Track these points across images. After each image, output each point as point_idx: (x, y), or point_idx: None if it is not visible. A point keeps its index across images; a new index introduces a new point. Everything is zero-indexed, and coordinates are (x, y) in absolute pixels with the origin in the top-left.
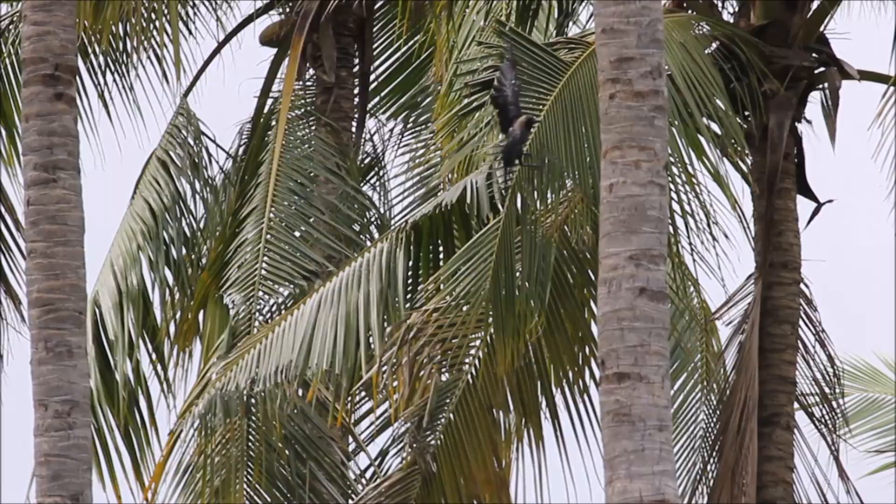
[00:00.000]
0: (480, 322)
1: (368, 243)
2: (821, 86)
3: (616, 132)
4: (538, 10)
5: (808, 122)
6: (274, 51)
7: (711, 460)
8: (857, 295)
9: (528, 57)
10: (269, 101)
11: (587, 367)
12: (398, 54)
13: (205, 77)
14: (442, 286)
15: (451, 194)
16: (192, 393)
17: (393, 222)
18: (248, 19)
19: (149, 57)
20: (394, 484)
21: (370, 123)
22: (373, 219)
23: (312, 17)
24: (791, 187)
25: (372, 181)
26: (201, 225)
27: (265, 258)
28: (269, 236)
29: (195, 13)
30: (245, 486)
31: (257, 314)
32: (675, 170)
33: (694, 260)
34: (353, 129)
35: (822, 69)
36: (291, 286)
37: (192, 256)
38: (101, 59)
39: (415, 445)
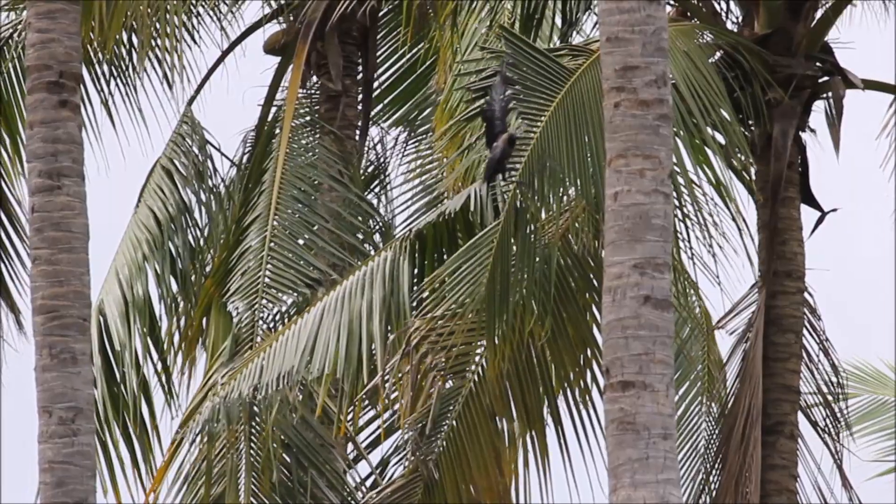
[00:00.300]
0: (483, 329)
1: (372, 252)
2: (825, 95)
3: (621, 140)
4: (542, 19)
5: (813, 131)
6: (278, 59)
7: (715, 469)
8: (862, 304)
9: (531, 63)
10: (273, 110)
11: (590, 374)
12: (402, 62)
13: (209, 85)
14: (446, 294)
15: (454, 203)
16: (195, 400)
17: (397, 231)
18: (253, 27)
19: (153, 65)
20: (396, 490)
21: (374, 131)
22: (376, 227)
23: (317, 25)
24: (795, 196)
25: (376, 189)
26: (206, 233)
27: (269, 266)
28: (272, 244)
29: (199, 21)
30: (245, 492)
31: (261, 322)
32: (678, 178)
33: (695, 266)
34: (357, 138)
35: (825, 78)
36: (295, 294)
37: (197, 265)
38: (105, 67)
39: (417, 452)
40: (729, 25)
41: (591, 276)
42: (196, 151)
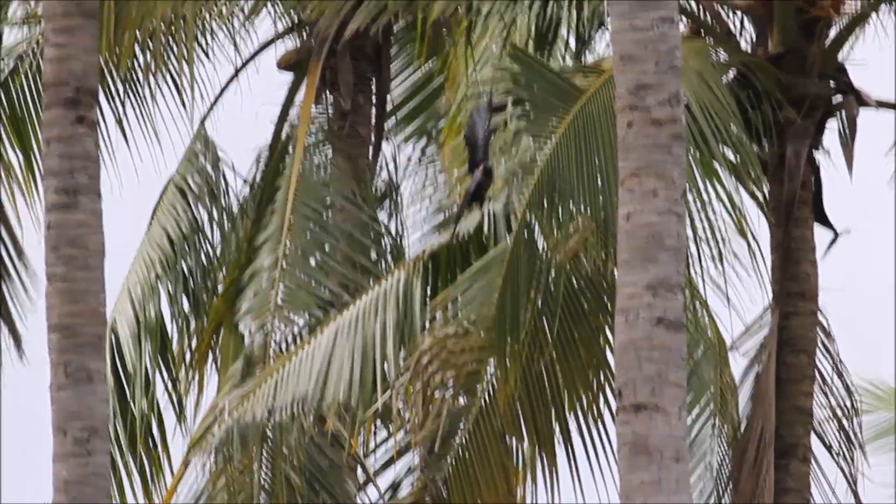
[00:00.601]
0: (493, 348)
1: (384, 272)
2: (838, 114)
3: (633, 160)
4: (556, 38)
5: (826, 150)
6: (291, 76)
7: (727, 492)
8: (872, 320)
9: (542, 82)
10: (287, 127)
11: (602, 395)
12: (415, 78)
13: (222, 102)
14: (459, 313)
15: (468, 223)
16: (205, 421)
17: (408, 250)
18: (266, 44)
19: (166, 82)
20: None
21: (387, 149)
22: (389, 247)
23: (330, 42)
24: (808, 216)
25: (388, 208)
26: (218, 252)
27: (280, 286)
28: (284, 264)
29: (213, 38)
30: None
31: (272, 342)
32: (690, 198)
33: (705, 287)
34: (370, 155)
35: (839, 98)
36: (307, 315)
37: (209, 284)
38: (119, 83)
39: (426, 470)
40: (743, 44)
41: (604, 297)
42: (209, 169)
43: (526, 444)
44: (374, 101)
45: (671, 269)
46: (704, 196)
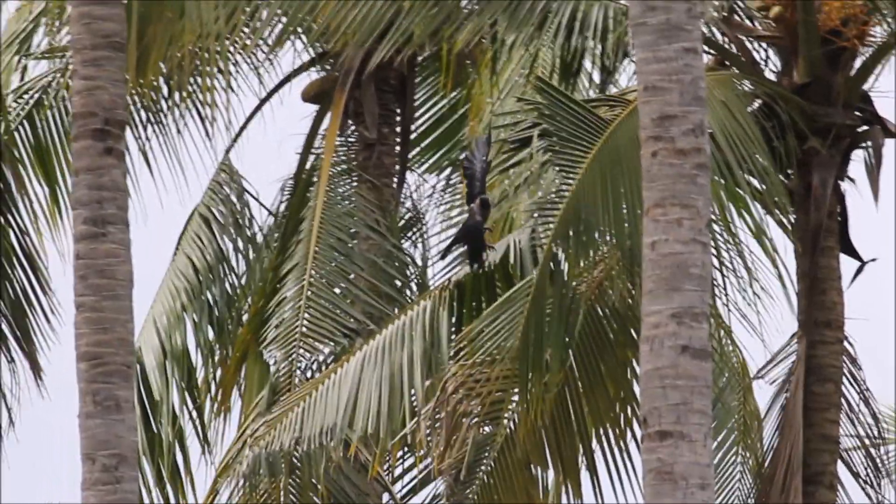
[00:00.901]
0: (517, 378)
1: (409, 301)
2: (864, 144)
3: (658, 190)
4: (580, 69)
5: (852, 180)
6: (316, 107)
7: None
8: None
9: (567, 114)
10: (311, 158)
11: (628, 427)
12: (439, 108)
13: (246, 133)
14: (484, 344)
15: (494, 253)
16: (231, 450)
17: (432, 280)
18: (290, 75)
19: (190, 113)
20: None
21: (411, 179)
22: (413, 277)
23: (354, 73)
24: (834, 246)
25: (413, 238)
26: (243, 281)
27: (306, 315)
28: (309, 293)
29: (237, 70)
30: None
31: (297, 371)
32: (716, 227)
33: (729, 314)
34: (395, 185)
35: (865, 127)
36: (332, 343)
37: (234, 313)
38: (143, 113)
39: (451, 497)
40: (767, 75)
41: (629, 326)
42: (234, 199)
43: (551, 472)
44: (398, 131)
45: (696, 297)
46: (731, 226)
